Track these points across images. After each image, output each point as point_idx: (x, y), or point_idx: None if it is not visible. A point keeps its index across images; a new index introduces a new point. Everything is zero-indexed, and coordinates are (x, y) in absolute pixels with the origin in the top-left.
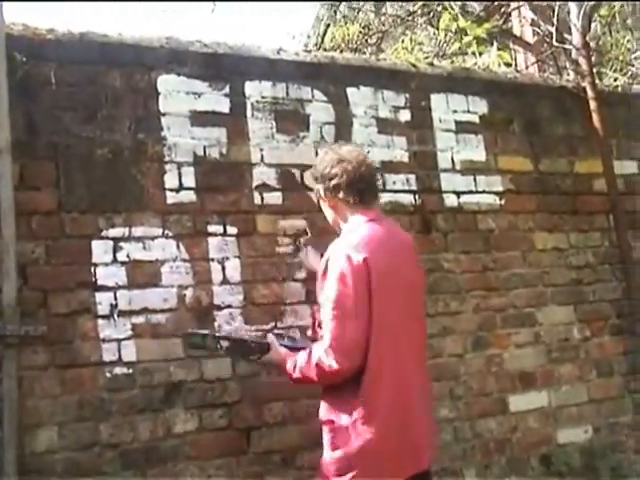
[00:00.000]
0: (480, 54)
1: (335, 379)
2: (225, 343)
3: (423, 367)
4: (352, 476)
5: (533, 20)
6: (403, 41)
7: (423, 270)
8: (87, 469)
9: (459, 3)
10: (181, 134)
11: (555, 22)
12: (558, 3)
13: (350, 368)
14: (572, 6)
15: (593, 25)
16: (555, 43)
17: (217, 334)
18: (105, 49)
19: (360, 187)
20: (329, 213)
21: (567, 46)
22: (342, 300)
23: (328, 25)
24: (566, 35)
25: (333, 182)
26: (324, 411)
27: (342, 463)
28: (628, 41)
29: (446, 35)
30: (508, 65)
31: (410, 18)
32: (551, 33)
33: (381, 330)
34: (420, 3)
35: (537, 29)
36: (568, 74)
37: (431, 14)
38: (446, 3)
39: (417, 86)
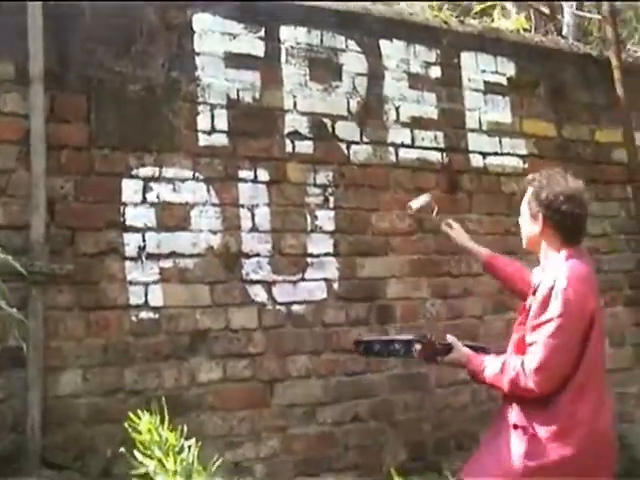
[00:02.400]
0: (498, 18)
1: (526, 397)
2: (418, 346)
3: (611, 392)
4: None
5: None
6: None
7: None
8: (110, 415)
9: None
10: (215, 75)
11: None
12: None
13: (543, 393)
14: None
15: None
16: (576, 12)
17: (399, 339)
18: None
19: (579, 229)
20: (533, 232)
21: (594, 16)
22: (561, 332)
23: None
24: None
25: (558, 217)
26: (519, 416)
27: (538, 474)
28: None
29: None
30: (526, 31)
31: None
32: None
33: (589, 361)
34: None
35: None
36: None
37: None
38: None
39: (448, 43)
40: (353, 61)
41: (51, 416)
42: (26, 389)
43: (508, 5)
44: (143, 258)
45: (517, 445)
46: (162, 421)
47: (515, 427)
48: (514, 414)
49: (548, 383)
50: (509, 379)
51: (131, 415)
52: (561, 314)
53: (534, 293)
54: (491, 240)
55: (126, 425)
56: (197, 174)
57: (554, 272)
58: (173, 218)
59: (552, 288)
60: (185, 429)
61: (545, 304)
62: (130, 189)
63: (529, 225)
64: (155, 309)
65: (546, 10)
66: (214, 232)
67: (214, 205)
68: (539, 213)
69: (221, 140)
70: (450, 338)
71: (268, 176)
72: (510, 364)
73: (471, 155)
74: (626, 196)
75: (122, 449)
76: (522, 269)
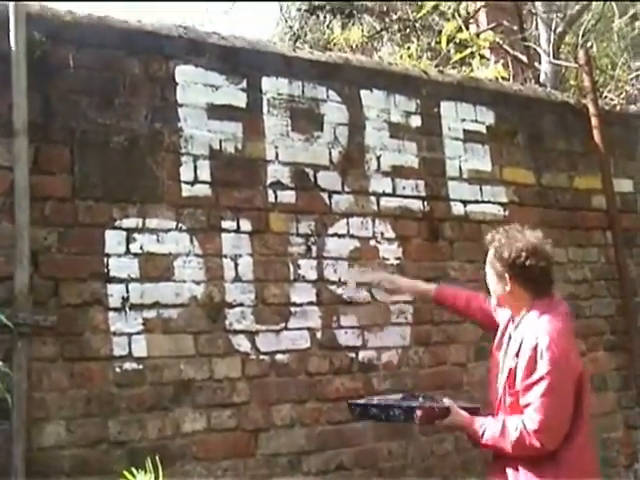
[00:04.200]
0: (477, 67)
1: (530, 454)
2: (419, 413)
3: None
4: None
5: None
6: (409, 48)
7: None
8: (94, 466)
9: (463, 15)
10: (198, 126)
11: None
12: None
13: (551, 449)
14: (541, 31)
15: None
16: (553, 60)
17: (398, 404)
18: (124, 35)
19: (547, 281)
20: (504, 292)
21: (571, 64)
22: (554, 390)
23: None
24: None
25: (525, 273)
26: (527, 477)
27: None
28: (625, 62)
29: (448, 44)
30: (505, 79)
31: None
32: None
33: (584, 413)
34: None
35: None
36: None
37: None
38: (449, 14)
39: (428, 93)
40: (334, 111)
41: (35, 468)
42: (9, 441)
43: (487, 54)
44: (127, 309)
45: None
46: (157, 478)
47: None
48: (522, 477)
49: (552, 440)
50: (513, 440)
51: (126, 473)
52: (549, 372)
53: (517, 355)
54: (473, 287)
55: None
56: (180, 225)
57: (534, 330)
58: (156, 269)
59: (536, 347)
60: None
61: (532, 364)
62: (113, 240)
63: (497, 285)
64: (139, 360)
65: (524, 58)
66: (197, 282)
67: (197, 255)
68: (505, 273)
69: (204, 191)
70: (447, 401)
71: (251, 226)
72: (511, 425)
73: (452, 203)
74: (606, 242)
75: None
76: (473, 295)
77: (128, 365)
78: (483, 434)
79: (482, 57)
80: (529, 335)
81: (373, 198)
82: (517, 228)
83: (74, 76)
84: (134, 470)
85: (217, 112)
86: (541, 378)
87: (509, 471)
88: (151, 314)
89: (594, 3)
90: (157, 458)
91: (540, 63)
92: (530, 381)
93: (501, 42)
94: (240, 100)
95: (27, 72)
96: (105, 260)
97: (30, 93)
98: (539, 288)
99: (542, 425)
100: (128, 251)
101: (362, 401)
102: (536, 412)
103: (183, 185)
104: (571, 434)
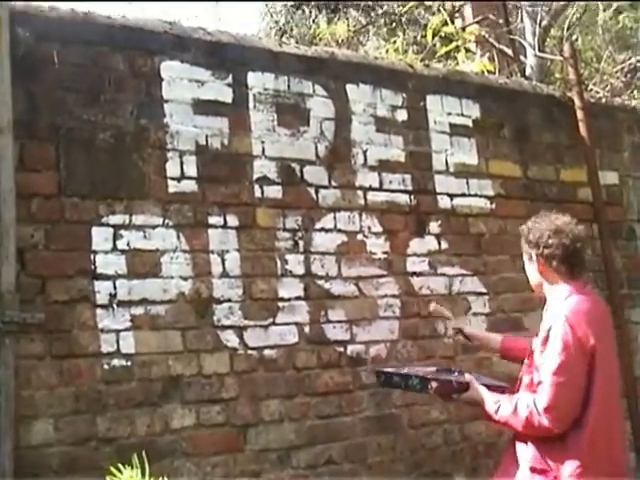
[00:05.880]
0: (463, 61)
1: (539, 434)
2: (434, 384)
3: (624, 424)
4: None
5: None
6: (395, 42)
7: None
8: (83, 464)
9: (448, 9)
10: (183, 122)
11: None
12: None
13: (559, 430)
14: (526, 24)
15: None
16: (538, 53)
17: (416, 374)
18: (109, 31)
19: (573, 261)
20: (535, 275)
21: (556, 57)
22: (564, 369)
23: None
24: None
25: (548, 251)
26: (536, 457)
27: None
28: (610, 55)
29: (434, 38)
30: (490, 73)
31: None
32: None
33: (595, 396)
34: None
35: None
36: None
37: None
38: (435, 7)
39: (414, 86)
40: (320, 106)
41: (23, 466)
42: None
43: (472, 47)
44: (114, 305)
45: None
46: (143, 474)
47: (533, 470)
48: (530, 456)
49: (561, 420)
50: (523, 418)
51: (112, 469)
52: (561, 351)
53: (537, 334)
54: (461, 281)
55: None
56: (167, 221)
57: (554, 311)
58: (144, 265)
59: (550, 328)
60: None
61: (546, 343)
62: (100, 237)
63: (530, 269)
64: (127, 356)
65: (510, 52)
66: (185, 278)
67: (184, 251)
68: (532, 253)
69: (190, 186)
70: (468, 377)
71: (238, 221)
72: (522, 403)
73: (439, 197)
74: (592, 234)
75: None
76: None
77: (116, 362)
78: (497, 411)
79: (468, 51)
80: (548, 316)
81: (360, 192)
82: (547, 214)
83: (59, 73)
84: (121, 466)
85: (203, 107)
86: (553, 357)
87: (520, 446)
88: (139, 310)
89: None
90: (144, 453)
91: (525, 56)
92: (543, 360)
93: (487, 35)
94: (226, 95)
95: (11, 69)
96: (92, 257)
97: (15, 90)
98: (566, 267)
99: (550, 403)
100: (115, 248)
101: (388, 370)
102: (546, 390)
103: (169, 181)
104: (580, 417)
